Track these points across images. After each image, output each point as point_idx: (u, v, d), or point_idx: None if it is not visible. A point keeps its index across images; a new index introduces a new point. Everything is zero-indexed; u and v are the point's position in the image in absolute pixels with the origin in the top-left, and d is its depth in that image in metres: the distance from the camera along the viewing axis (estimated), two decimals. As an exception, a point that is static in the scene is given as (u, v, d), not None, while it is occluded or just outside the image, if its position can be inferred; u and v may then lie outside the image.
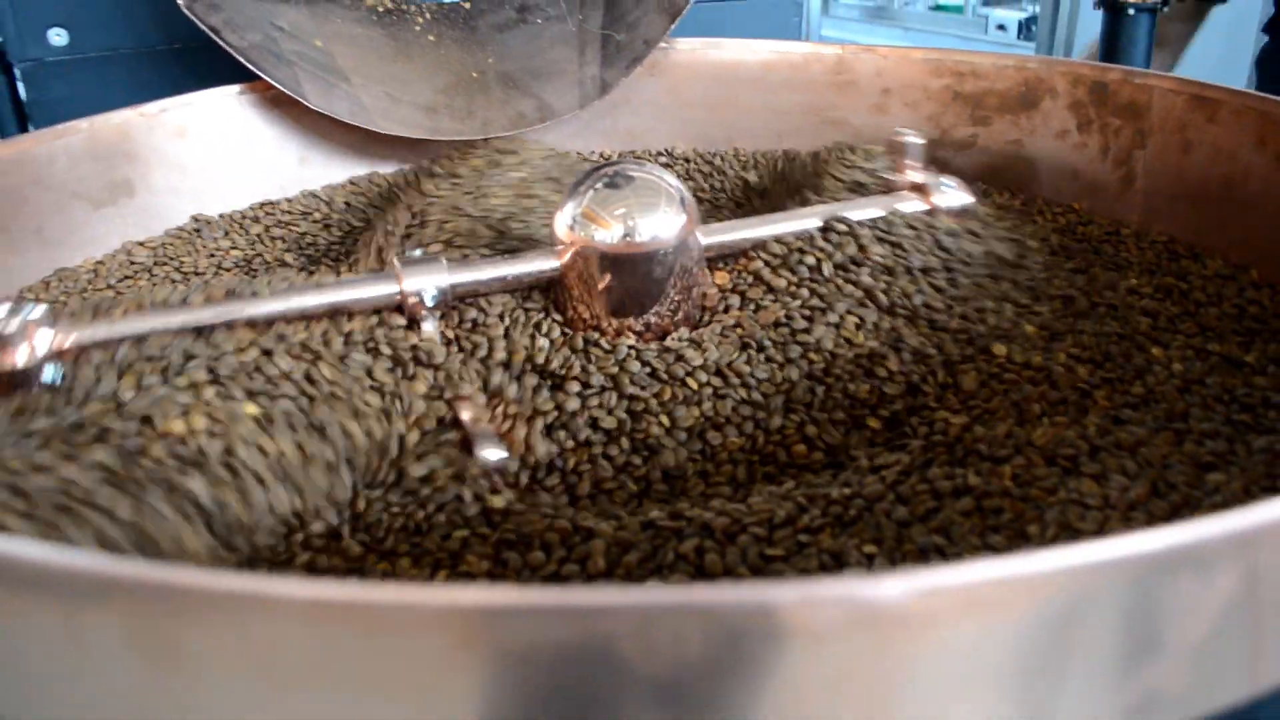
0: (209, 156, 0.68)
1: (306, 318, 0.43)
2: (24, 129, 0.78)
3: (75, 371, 0.39)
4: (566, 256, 0.48)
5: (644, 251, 0.48)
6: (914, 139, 0.56)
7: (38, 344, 0.39)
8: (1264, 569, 0.19)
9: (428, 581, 0.32)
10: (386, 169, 0.75)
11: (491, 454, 0.39)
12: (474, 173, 0.59)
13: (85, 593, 0.18)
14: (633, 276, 0.48)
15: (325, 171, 0.74)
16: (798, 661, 0.17)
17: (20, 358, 0.38)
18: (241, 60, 0.65)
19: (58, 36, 0.73)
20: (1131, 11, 0.95)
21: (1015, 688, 0.18)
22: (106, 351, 0.39)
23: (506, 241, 0.53)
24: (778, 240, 0.52)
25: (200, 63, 0.69)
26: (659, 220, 0.49)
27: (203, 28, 0.64)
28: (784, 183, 0.66)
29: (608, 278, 0.48)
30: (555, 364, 0.46)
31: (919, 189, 0.55)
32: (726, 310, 0.50)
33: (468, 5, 0.77)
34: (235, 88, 0.69)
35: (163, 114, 0.66)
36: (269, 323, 0.43)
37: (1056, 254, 0.58)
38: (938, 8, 4.02)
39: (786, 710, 0.18)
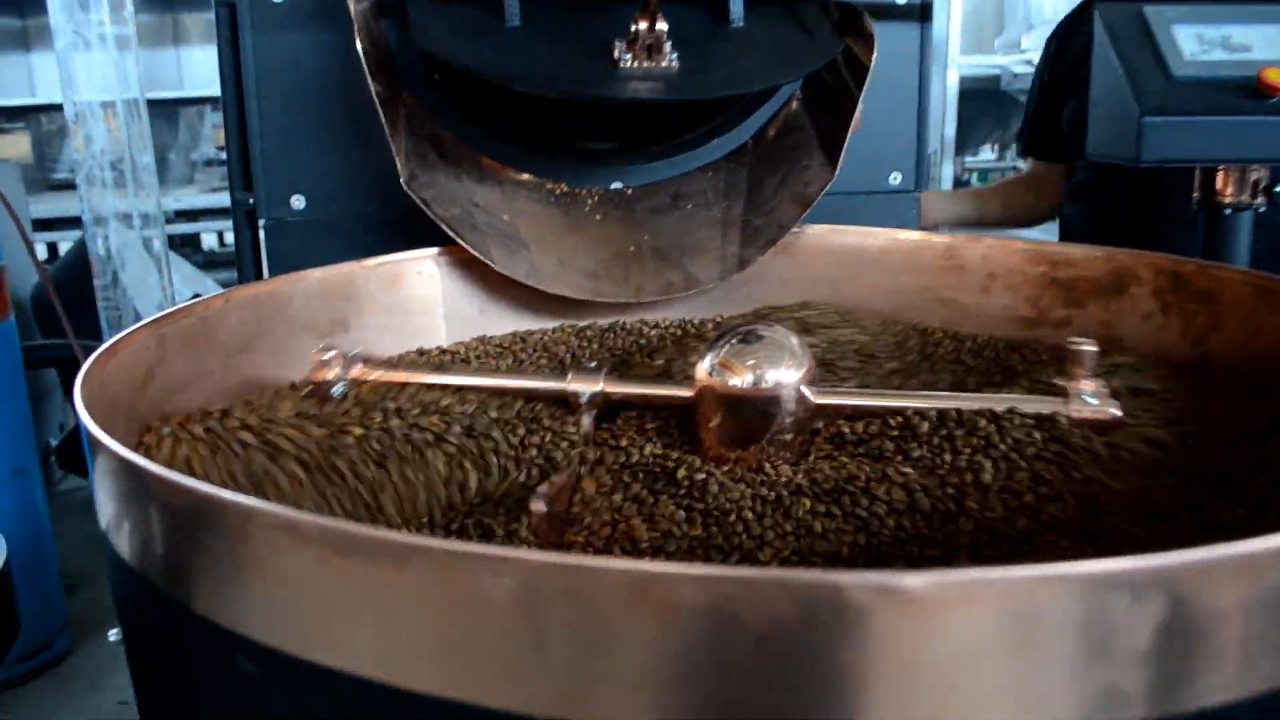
0: (410, 302, 0.83)
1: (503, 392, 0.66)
2: (259, 273, 0.94)
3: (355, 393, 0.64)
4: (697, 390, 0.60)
5: (762, 396, 0.59)
6: (1088, 347, 0.59)
7: (342, 371, 0.64)
8: (1189, 599, 0.27)
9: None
10: (550, 323, 0.88)
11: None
12: None
13: (389, 556, 0.29)
14: (749, 415, 0.59)
15: (499, 320, 0.87)
16: (854, 624, 0.26)
17: (331, 375, 0.64)
18: (444, 228, 0.79)
19: (297, 201, 0.90)
20: (1229, 212, 1.03)
21: (1000, 662, 0.27)
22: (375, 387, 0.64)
23: None
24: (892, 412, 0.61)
25: (409, 228, 0.84)
26: (781, 371, 0.60)
27: (416, 201, 0.79)
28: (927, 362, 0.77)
29: (724, 414, 0.59)
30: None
31: (1061, 392, 0.59)
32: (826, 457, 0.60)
33: (629, 192, 0.92)
34: (435, 250, 0.84)
35: (379, 267, 0.81)
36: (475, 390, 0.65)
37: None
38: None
39: (846, 660, 0.27)
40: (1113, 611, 0.27)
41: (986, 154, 4.70)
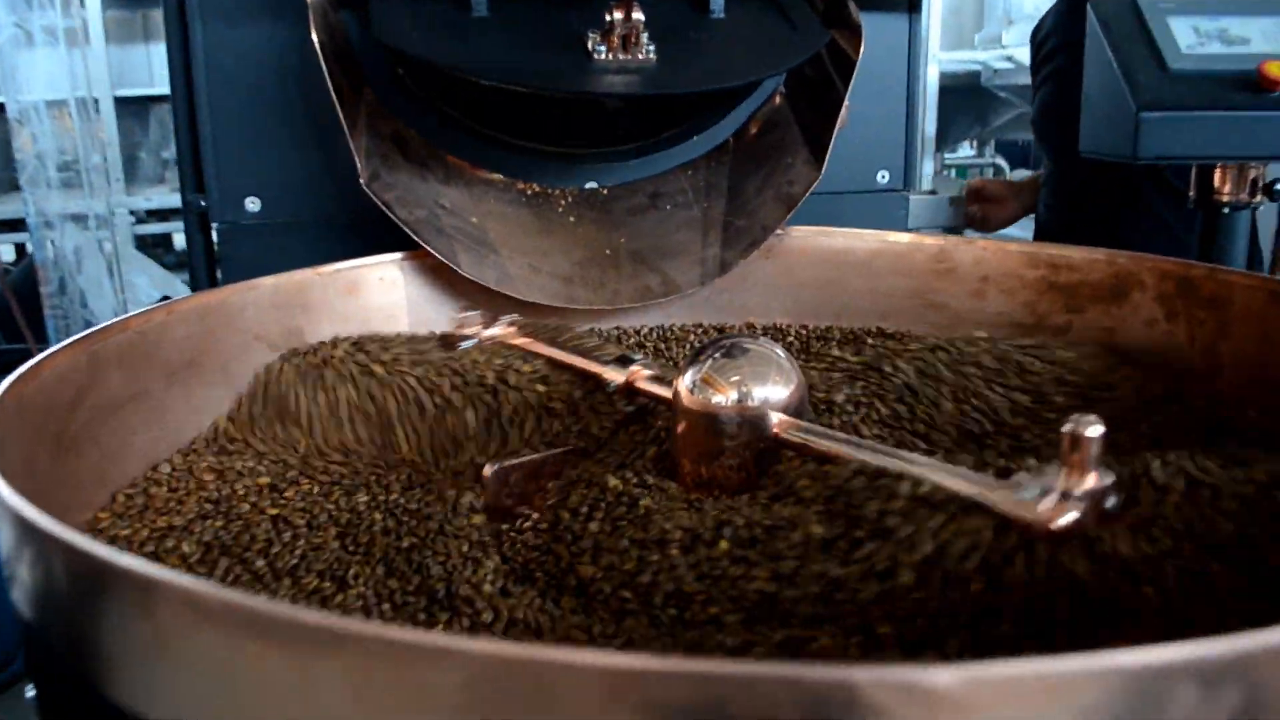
0: (370, 312, 0.77)
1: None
2: (213, 279, 0.89)
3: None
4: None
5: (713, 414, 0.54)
6: (1089, 430, 0.42)
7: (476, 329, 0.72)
8: (1264, 689, 0.23)
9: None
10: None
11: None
12: None
13: (316, 643, 0.24)
14: (709, 434, 0.54)
15: (468, 330, 0.82)
16: (868, 729, 0.22)
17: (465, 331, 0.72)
18: (408, 231, 0.74)
19: (252, 204, 0.84)
20: (1227, 210, 0.99)
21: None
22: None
23: None
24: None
25: (370, 232, 0.79)
26: (765, 389, 0.55)
27: (378, 203, 0.74)
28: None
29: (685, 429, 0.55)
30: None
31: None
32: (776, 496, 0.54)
33: (605, 192, 0.87)
34: (399, 255, 0.79)
35: (336, 274, 0.76)
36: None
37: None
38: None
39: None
40: (1180, 707, 0.23)
41: (966, 150, 4.68)
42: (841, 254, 0.84)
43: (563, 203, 0.85)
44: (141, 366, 0.61)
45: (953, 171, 4.51)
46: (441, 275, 0.80)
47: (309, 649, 0.24)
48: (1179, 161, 0.98)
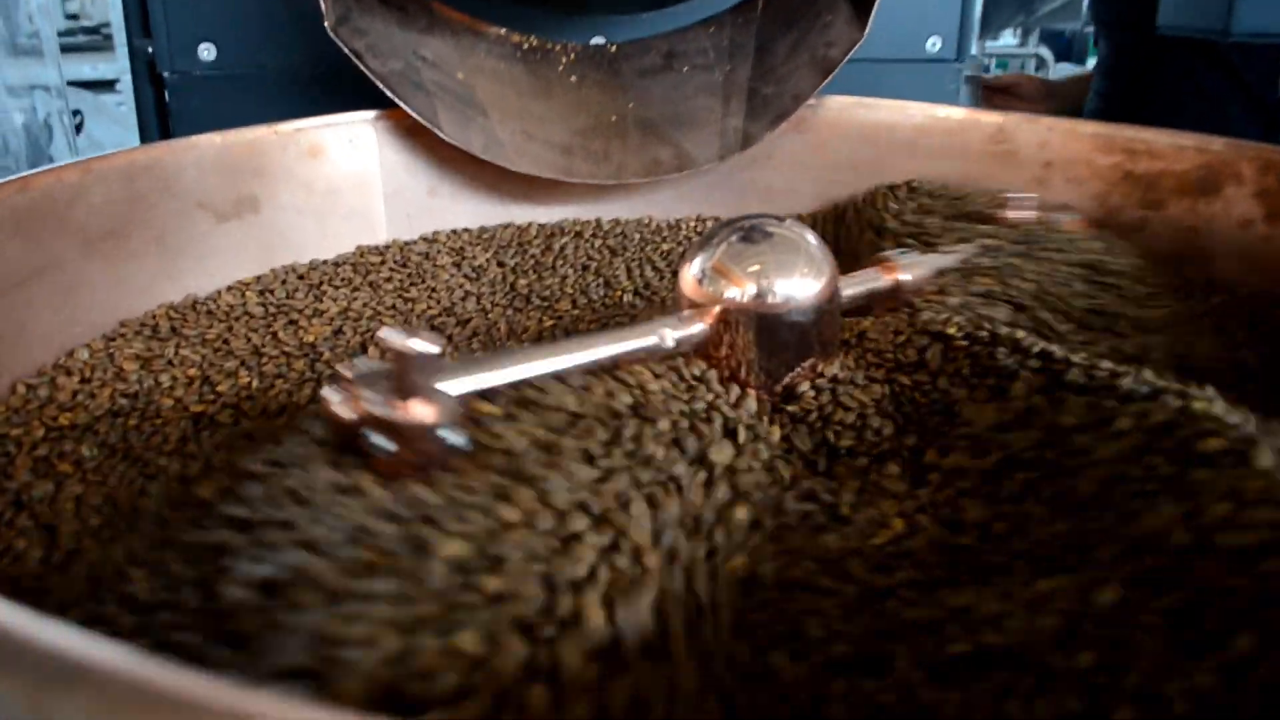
0: (337, 178, 0.67)
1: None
2: (166, 138, 0.79)
3: None
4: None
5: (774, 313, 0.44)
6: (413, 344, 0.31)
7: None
8: None
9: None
10: (513, 207, 0.73)
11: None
12: None
13: (54, 677, 0.15)
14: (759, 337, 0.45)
15: (452, 204, 0.72)
16: None
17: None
18: (381, 86, 0.64)
19: (206, 51, 0.74)
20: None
21: None
22: None
23: None
24: None
25: (340, 87, 0.68)
26: (797, 281, 0.45)
27: (346, 51, 0.63)
28: None
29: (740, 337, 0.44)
30: None
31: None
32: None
33: (613, 49, 0.75)
34: (371, 113, 0.68)
35: (297, 134, 0.65)
36: None
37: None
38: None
39: None
40: None
41: (1008, 39, 4.45)
42: (884, 129, 0.73)
43: (564, 60, 0.74)
44: (49, 234, 0.52)
45: (993, 61, 4.28)
46: (422, 139, 0.69)
47: (42, 683, 0.15)
48: (1277, 39, 0.86)
